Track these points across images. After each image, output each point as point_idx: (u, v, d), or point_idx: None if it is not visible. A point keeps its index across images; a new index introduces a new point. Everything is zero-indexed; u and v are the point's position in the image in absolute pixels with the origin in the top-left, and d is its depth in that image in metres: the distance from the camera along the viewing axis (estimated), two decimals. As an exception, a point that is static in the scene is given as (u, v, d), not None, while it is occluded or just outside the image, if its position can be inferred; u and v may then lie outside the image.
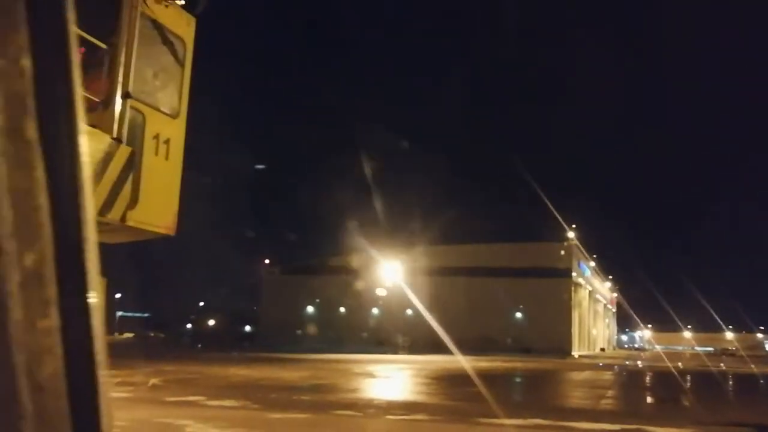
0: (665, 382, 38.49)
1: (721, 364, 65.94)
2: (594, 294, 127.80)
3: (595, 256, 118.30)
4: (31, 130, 1.11)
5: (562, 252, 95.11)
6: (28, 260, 1.09)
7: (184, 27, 9.81)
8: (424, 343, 68.62)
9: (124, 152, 8.37)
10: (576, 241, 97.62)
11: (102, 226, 8.07)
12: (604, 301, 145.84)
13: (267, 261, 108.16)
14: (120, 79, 8.57)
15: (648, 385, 39.86)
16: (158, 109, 9.47)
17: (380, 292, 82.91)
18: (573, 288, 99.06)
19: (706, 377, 45.63)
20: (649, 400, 29.37)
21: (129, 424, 13.27)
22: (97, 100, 8.77)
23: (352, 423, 16.31)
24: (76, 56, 1.20)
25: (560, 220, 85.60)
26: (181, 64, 9.85)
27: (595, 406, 23.05)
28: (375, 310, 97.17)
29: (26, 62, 1.10)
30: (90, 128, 8.04)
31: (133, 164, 8.50)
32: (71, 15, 1.22)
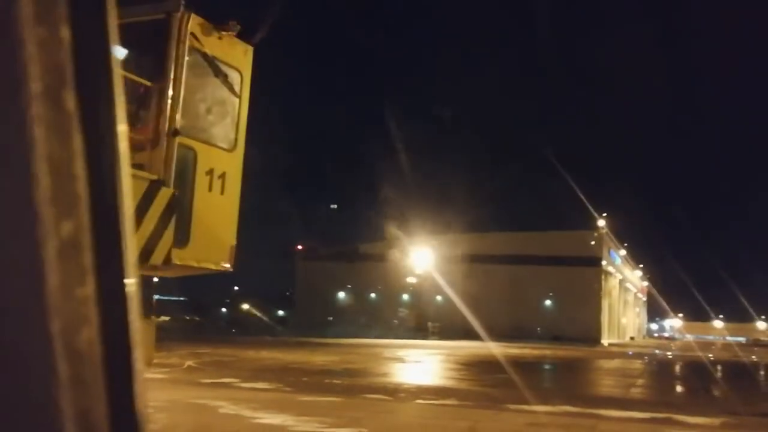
0: (696, 371, 38.26)
1: (753, 356, 65.40)
2: (624, 283, 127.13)
3: (626, 244, 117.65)
4: (70, 101, 1.13)
5: (593, 241, 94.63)
6: (65, 228, 1.10)
7: (240, 57, 9.53)
8: (453, 329, 68.61)
9: (165, 194, 8.14)
10: (607, 230, 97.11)
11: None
12: (635, 290, 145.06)
13: (300, 247, 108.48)
14: (168, 116, 8.38)
15: (678, 374, 39.67)
16: (212, 144, 9.26)
17: (411, 279, 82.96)
18: (603, 276, 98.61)
19: (738, 367, 45.29)
20: (679, 389, 29.24)
21: (164, 404, 13.38)
22: (143, 139, 8.60)
23: (382, 407, 16.35)
24: (113, 26, 1.21)
25: (591, 208, 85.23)
26: (237, 96, 9.57)
27: (624, 394, 22.97)
28: (406, 296, 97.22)
29: (65, 32, 1.12)
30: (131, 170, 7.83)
31: (175, 207, 8.23)
32: None
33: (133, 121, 8.75)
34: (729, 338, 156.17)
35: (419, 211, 77.49)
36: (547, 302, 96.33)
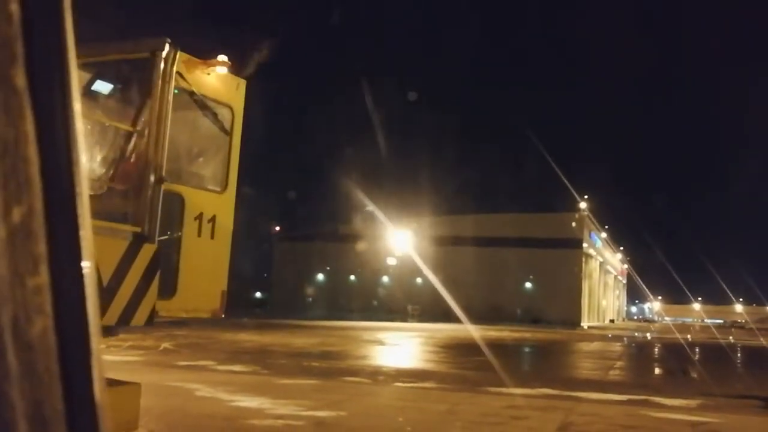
0: (674, 353, 38.46)
1: (730, 337, 65.88)
2: (605, 265, 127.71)
3: (606, 227, 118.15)
4: (20, 78, 1.07)
5: (574, 223, 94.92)
6: (16, 214, 1.04)
7: (231, 92, 9.01)
8: (433, 311, 68.77)
9: (148, 251, 7.69)
10: (587, 212, 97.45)
11: None
12: (615, 273, 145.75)
13: (278, 228, 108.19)
14: (153, 162, 7.90)
15: (657, 356, 39.88)
16: (201, 188, 8.88)
17: (390, 260, 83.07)
18: (584, 259, 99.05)
19: (715, 349, 45.64)
20: (657, 371, 29.39)
21: (139, 387, 13.32)
22: (126, 187, 8.23)
23: (361, 389, 16.35)
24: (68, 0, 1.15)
25: (572, 190, 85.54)
26: (228, 133, 9.05)
27: (603, 376, 23.07)
28: (385, 278, 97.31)
29: (14, 6, 1.06)
30: (108, 225, 7.44)
31: (159, 263, 7.75)
32: None
33: (115, 168, 8.45)
34: (707, 320, 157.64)
35: (398, 193, 77.63)
36: (527, 285, 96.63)
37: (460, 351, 32.02)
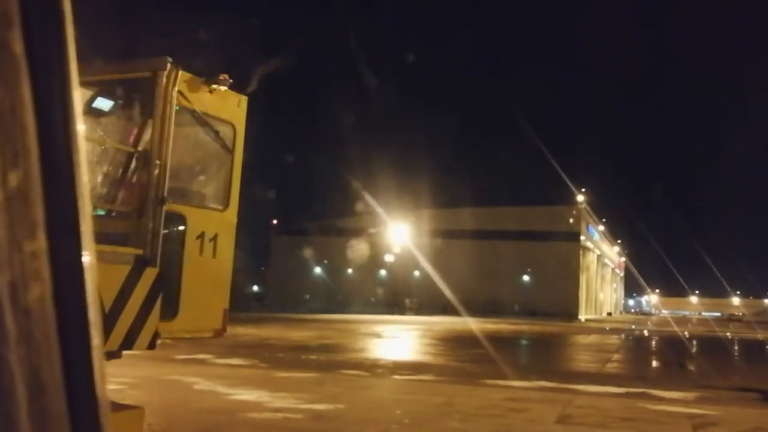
0: (671, 346, 38.48)
1: (728, 331, 65.90)
2: (602, 258, 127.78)
3: (604, 220, 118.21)
4: (17, 44, 1.05)
5: (572, 220, 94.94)
6: (13, 179, 1.03)
7: (233, 110, 8.90)
8: (431, 304, 68.83)
9: (150, 275, 7.56)
10: (585, 205, 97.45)
11: None
12: (612, 266, 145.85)
13: (275, 221, 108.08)
14: (154, 183, 7.79)
15: (654, 349, 39.91)
16: (203, 207, 8.80)
17: (388, 254, 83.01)
18: (581, 252, 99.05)
19: (712, 342, 45.66)
20: (654, 364, 29.40)
21: (137, 381, 13.33)
22: (124, 209, 8.14)
23: (358, 382, 16.36)
24: None
25: (569, 183, 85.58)
26: (230, 151, 8.93)
27: (600, 369, 23.09)
28: (383, 272, 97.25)
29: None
30: (110, 249, 7.38)
31: (161, 287, 7.62)
32: None
33: (116, 189, 8.38)
34: (704, 313, 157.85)
35: (396, 186, 77.42)
36: (525, 277, 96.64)
37: (457, 344, 32.05)
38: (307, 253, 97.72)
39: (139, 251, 7.52)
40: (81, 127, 1.15)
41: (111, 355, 7.22)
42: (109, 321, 6.83)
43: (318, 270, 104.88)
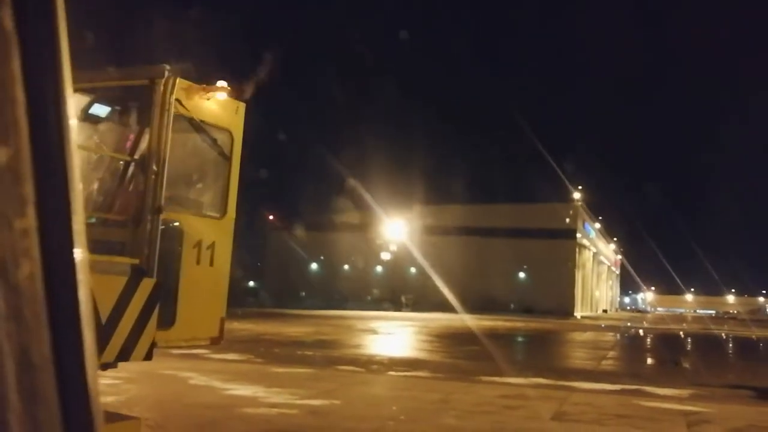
0: (666, 344, 38.57)
1: (723, 329, 65.96)
2: (598, 255, 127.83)
3: (600, 217, 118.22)
4: (7, 19, 1.04)
5: (568, 219, 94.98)
6: (2, 155, 1.02)
7: (230, 117, 8.81)
8: (427, 301, 68.80)
9: (147, 286, 7.46)
10: (581, 203, 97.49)
11: None
12: (608, 263, 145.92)
13: (271, 217, 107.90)
14: (151, 192, 7.68)
15: (649, 347, 39.94)
16: (200, 214, 8.69)
17: (385, 251, 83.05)
18: (577, 249, 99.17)
19: (707, 340, 45.73)
20: (649, 361, 29.43)
21: (132, 375, 13.29)
22: (120, 218, 8.06)
23: (354, 378, 16.36)
24: None
25: (566, 181, 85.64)
26: (228, 158, 8.84)
27: (596, 366, 23.10)
28: (379, 269, 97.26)
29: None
30: (107, 259, 7.32)
31: (158, 297, 7.52)
32: None
33: (113, 198, 8.31)
34: (699, 311, 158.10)
35: (392, 183, 77.40)
36: (521, 275, 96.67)
37: (453, 340, 32.04)
38: (303, 248, 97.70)
39: (136, 261, 7.44)
40: (72, 103, 1.13)
41: (106, 366, 7.17)
42: (105, 333, 6.77)
43: (314, 266, 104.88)
